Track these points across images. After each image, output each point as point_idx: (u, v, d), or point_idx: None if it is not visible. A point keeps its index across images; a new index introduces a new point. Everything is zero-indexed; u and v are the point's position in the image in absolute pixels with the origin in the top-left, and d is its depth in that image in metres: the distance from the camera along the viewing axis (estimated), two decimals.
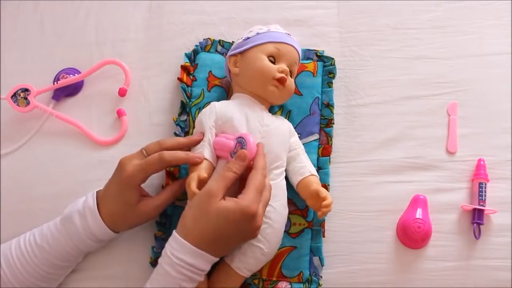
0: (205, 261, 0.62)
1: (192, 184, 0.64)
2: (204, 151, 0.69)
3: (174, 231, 0.63)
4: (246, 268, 0.69)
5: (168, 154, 0.67)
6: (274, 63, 0.73)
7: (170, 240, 0.63)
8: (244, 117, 0.71)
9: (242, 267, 0.69)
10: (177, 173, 0.76)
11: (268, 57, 0.73)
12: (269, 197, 0.67)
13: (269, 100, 0.75)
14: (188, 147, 0.71)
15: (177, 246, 0.61)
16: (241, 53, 0.75)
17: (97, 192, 0.71)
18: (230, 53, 0.76)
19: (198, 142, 0.70)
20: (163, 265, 0.61)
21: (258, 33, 0.75)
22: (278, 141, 0.72)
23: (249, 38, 0.75)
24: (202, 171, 0.66)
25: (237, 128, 0.70)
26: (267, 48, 0.73)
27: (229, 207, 0.62)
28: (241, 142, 0.68)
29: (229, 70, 0.76)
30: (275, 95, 0.73)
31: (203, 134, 0.70)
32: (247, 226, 0.63)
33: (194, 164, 0.67)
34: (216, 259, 0.63)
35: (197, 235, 0.61)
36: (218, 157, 0.70)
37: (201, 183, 0.65)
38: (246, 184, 0.64)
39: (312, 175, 0.72)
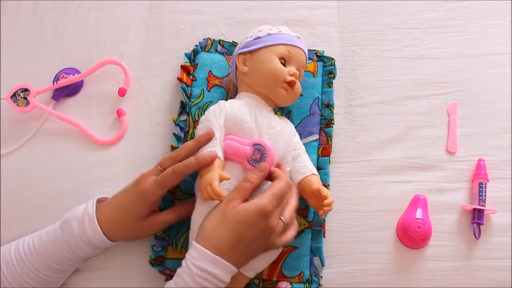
0: (225, 271, 0.61)
1: (216, 184, 0.63)
2: (217, 150, 0.67)
3: (193, 241, 0.62)
4: (252, 269, 0.69)
5: (181, 166, 0.66)
6: (284, 65, 0.73)
7: (190, 250, 0.62)
8: (254, 120, 0.70)
9: (248, 268, 0.68)
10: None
11: (279, 59, 0.73)
12: (293, 203, 0.68)
13: (276, 102, 0.75)
14: (198, 150, 0.69)
15: (196, 255, 0.60)
16: (250, 52, 0.74)
17: (98, 199, 0.71)
18: (239, 51, 0.75)
19: (206, 142, 0.68)
20: (182, 276, 0.60)
21: (269, 34, 0.74)
22: (284, 143, 0.71)
23: (259, 37, 0.74)
24: (220, 171, 0.65)
25: (248, 131, 0.69)
26: (279, 50, 0.73)
27: (246, 207, 0.62)
28: (260, 150, 0.68)
29: (236, 68, 0.76)
30: (283, 98, 0.73)
31: (211, 131, 0.68)
32: (262, 224, 0.62)
33: (207, 165, 0.66)
34: (236, 270, 0.62)
35: (217, 242, 0.61)
36: (226, 159, 0.69)
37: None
38: (267, 189, 0.65)
39: (313, 174, 0.72)
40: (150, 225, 0.69)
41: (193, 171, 0.67)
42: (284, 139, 0.72)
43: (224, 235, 0.61)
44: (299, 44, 0.75)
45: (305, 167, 0.73)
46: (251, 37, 0.75)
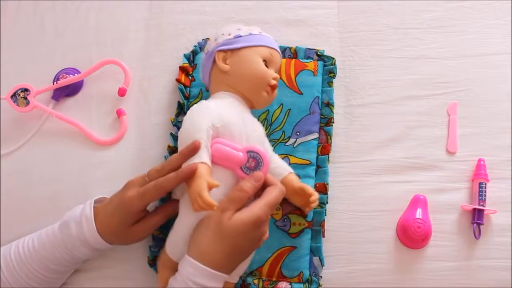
0: (220, 281, 0.61)
1: (205, 194, 0.59)
2: (202, 155, 0.62)
3: (186, 255, 0.61)
4: (236, 274, 0.68)
5: (161, 180, 0.64)
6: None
7: (185, 265, 0.61)
8: (242, 122, 0.68)
9: (233, 274, 0.67)
10: None
11: (262, 60, 0.72)
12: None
13: (255, 104, 0.73)
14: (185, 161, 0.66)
15: (193, 271, 0.59)
16: (231, 50, 0.72)
17: (96, 200, 0.71)
18: (218, 48, 0.72)
19: (190, 155, 0.63)
20: None
21: (251, 34, 0.73)
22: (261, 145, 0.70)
23: (241, 36, 0.73)
24: (208, 178, 0.60)
25: (237, 134, 0.66)
26: (262, 52, 0.72)
27: (242, 219, 0.60)
28: (255, 157, 0.65)
29: (212, 66, 0.73)
30: (264, 100, 0.73)
31: (197, 143, 0.63)
32: (256, 234, 0.63)
33: (187, 178, 0.62)
34: (228, 277, 0.62)
35: (213, 256, 0.60)
36: (213, 164, 0.64)
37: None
38: (263, 195, 0.64)
39: (291, 173, 0.72)
40: (138, 231, 0.68)
41: (174, 185, 0.64)
42: (261, 141, 0.71)
43: (219, 249, 0.60)
44: (278, 48, 0.75)
45: (280, 167, 0.72)
46: (229, 34, 0.73)
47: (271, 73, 0.72)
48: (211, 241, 0.61)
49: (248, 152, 0.65)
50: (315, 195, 0.70)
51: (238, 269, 0.67)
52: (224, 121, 0.66)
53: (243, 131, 0.67)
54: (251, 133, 0.69)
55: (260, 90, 0.72)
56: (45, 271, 0.68)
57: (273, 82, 0.72)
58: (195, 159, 0.62)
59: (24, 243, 0.70)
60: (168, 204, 0.72)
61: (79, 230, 0.67)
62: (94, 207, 0.69)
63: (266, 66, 0.72)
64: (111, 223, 0.67)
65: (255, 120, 0.73)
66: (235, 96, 0.71)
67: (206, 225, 0.62)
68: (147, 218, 0.70)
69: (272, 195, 0.63)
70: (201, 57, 0.77)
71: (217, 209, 0.60)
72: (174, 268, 0.65)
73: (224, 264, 0.61)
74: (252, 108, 0.74)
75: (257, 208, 0.61)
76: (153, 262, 0.73)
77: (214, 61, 0.73)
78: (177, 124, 0.80)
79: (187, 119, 0.66)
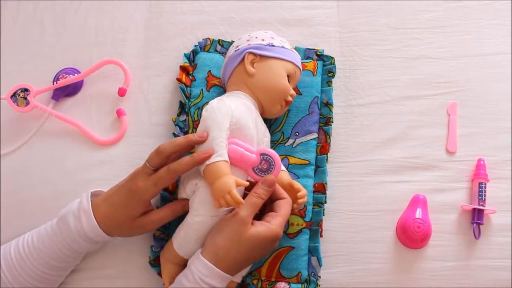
0: (227, 282, 0.65)
1: (235, 191, 0.62)
2: (224, 153, 0.64)
3: (200, 255, 0.63)
4: (239, 274, 0.69)
5: (176, 164, 0.66)
6: None
7: (198, 265, 0.63)
8: (255, 126, 0.70)
9: (237, 275, 0.69)
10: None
11: (287, 75, 0.74)
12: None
13: (266, 113, 0.75)
14: (187, 148, 0.68)
15: (207, 273, 0.62)
16: (261, 56, 0.74)
17: (92, 193, 0.71)
18: (250, 49, 0.74)
19: (197, 143, 0.66)
20: (187, 286, 0.63)
21: (283, 47, 0.75)
22: None
23: (273, 45, 0.74)
24: (235, 177, 0.63)
25: (249, 138, 0.68)
26: (289, 67, 0.74)
27: (261, 233, 0.64)
28: (268, 160, 0.67)
29: (238, 64, 0.74)
30: (276, 112, 0.75)
31: (205, 134, 0.66)
32: (270, 248, 0.67)
33: (202, 162, 0.64)
34: (232, 277, 0.66)
35: (230, 263, 0.63)
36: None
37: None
38: (277, 209, 0.67)
39: (282, 170, 0.72)
40: (145, 224, 0.69)
41: (188, 169, 0.66)
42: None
43: (237, 258, 0.64)
44: (301, 67, 0.77)
45: None
46: (263, 40, 0.75)
47: (290, 89, 0.74)
48: (228, 247, 0.63)
49: (261, 154, 0.67)
50: (303, 191, 0.71)
51: (243, 270, 0.69)
52: (241, 124, 0.68)
53: (255, 136, 0.69)
54: (261, 139, 0.72)
55: (276, 102, 0.74)
56: (44, 267, 0.68)
57: (290, 98, 0.74)
58: (218, 158, 0.64)
59: (23, 240, 0.70)
60: (177, 201, 0.72)
61: (78, 224, 0.67)
62: (91, 200, 0.69)
63: (288, 81, 0.74)
64: (116, 215, 0.68)
65: (266, 127, 0.75)
66: (251, 100, 0.73)
67: (227, 231, 0.64)
68: (153, 212, 0.70)
69: (286, 210, 0.68)
70: (229, 51, 0.78)
71: (235, 217, 0.64)
72: (179, 263, 0.69)
73: (234, 268, 0.65)
74: (262, 115, 0.75)
75: (278, 226, 0.66)
76: (154, 262, 0.73)
77: (241, 60, 0.74)
78: (178, 124, 0.80)
79: (210, 116, 0.67)
